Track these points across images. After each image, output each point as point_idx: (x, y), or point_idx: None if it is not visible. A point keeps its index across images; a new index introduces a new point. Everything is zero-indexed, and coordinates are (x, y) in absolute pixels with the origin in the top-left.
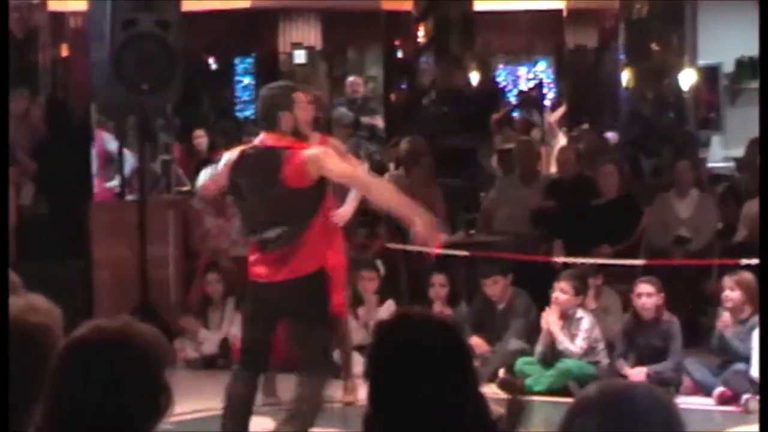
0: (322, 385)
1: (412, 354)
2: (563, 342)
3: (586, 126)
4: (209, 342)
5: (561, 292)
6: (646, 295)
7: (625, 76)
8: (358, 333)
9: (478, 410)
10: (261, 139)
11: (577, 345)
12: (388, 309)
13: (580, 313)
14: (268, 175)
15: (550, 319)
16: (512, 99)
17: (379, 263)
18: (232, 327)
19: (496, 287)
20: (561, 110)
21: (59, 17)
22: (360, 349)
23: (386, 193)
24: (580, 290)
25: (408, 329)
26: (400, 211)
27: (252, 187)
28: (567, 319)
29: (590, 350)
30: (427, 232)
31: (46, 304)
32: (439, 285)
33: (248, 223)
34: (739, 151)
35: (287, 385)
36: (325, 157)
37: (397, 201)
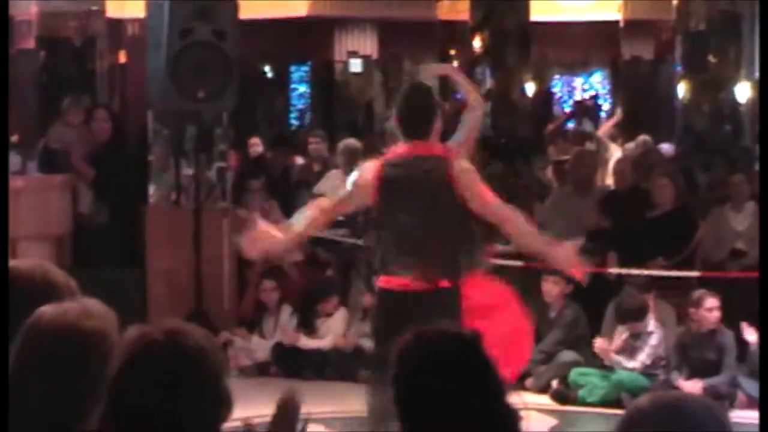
0: None
1: (431, 371)
2: (620, 362)
3: (641, 138)
4: (263, 350)
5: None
6: (708, 310)
7: (682, 89)
8: None
9: (504, 421)
10: (407, 149)
11: (639, 360)
12: None
13: (651, 326)
14: (432, 189)
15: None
16: (568, 110)
17: None
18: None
19: (555, 288)
20: (612, 120)
21: (117, 24)
22: None
23: (524, 228)
24: None
25: (424, 347)
26: (538, 248)
27: (411, 204)
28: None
29: (650, 364)
30: (569, 262)
31: (102, 309)
32: None
33: (400, 246)
34: None
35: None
36: (477, 174)
37: (535, 239)
